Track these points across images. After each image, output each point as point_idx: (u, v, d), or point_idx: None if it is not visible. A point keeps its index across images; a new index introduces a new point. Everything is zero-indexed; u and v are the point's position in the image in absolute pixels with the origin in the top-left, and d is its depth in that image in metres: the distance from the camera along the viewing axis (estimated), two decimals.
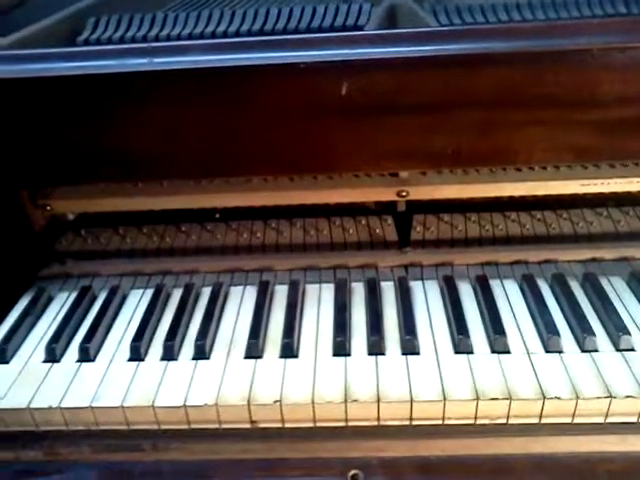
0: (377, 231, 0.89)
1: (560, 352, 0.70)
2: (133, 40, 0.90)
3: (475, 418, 0.65)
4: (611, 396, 0.63)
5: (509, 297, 0.79)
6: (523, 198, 0.85)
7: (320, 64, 0.67)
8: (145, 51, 0.71)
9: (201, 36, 0.90)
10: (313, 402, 0.66)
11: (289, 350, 0.73)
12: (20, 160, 0.75)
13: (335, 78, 0.67)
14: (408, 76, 0.69)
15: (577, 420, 0.65)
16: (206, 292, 0.84)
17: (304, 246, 0.89)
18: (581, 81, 0.67)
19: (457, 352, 0.71)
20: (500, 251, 0.86)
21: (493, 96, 0.69)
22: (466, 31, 0.72)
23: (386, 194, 0.84)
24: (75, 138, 0.74)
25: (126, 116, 0.72)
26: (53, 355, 0.75)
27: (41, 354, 0.76)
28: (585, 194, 0.83)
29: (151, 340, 0.77)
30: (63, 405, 0.68)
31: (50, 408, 0.68)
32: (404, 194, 0.83)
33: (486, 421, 0.66)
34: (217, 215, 0.92)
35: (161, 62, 0.69)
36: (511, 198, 0.86)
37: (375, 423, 0.67)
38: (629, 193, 0.82)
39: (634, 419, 0.64)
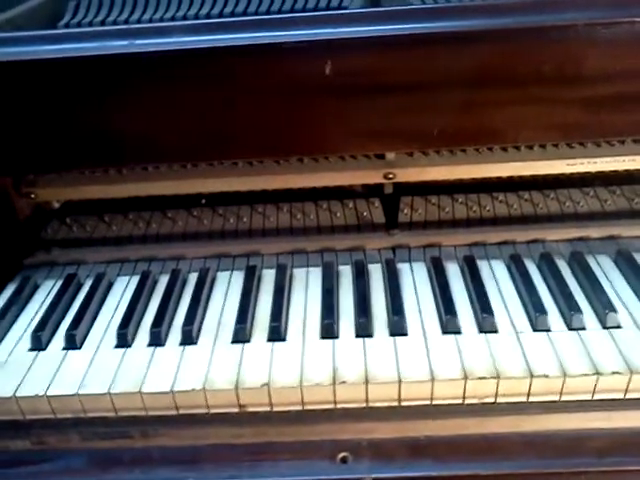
0: (364, 214, 0.89)
1: (548, 330, 0.70)
2: (115, 24, 0.89)
3: (463, 398, 0.65)
4: (598, 373, 0.63)
5: (497, 277, 0.79)
6: (510, 178, 0.85)
7: (303, 44, 0.66)
8: (126, 33, 0.69)
9: (184, 19, 0.89)
10: (301, 385, 0.66)
11: (277, 334, 0.72)
12: (2, 147, 0.74)
13: (318, 58, 0.67)
14: (392, 55, 0.68)
15: (565, 398, 0.65)
16: (193, 278, 0.83)
17: (291, 230, 0.89)
18: (566, 58, 0.67)
19: (445, 332, 0.71)
20: (488, 232, 0.86)
21: (478, 74, 0.69)
22: (450, 8, 0.72)
23: (373, 176, 0.83)
24: (57, 123, 0.73)
25: (109, 100, 0.71)
26: (39, 343, 0.74)
27: (27, 342, 0.75)
28: (572, 174, 0.82)
29: (138, 327, 0.76)
30: (49, 393, 0.67)
31: (37, 396, 0.67)
32: (391, 176, 0.82)
33: (475, 400, 0.66)
34: (203, 201, 0.91)
35: (142, 44, 0.68)
36: (498, 179, 0.85)
37: (364, 405, 0.67)
38: (615, 172, 0.83)
39: (620, 395, 0.65)
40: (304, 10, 0.88)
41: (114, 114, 0.72)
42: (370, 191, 0.90)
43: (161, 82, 0.70)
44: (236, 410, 0.67)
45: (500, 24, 0.67)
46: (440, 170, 0.82)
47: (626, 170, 0.82)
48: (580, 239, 0.84)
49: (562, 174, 0.82)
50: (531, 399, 0.65)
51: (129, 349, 0.73)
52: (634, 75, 0.68)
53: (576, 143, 0.81)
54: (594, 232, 0.84)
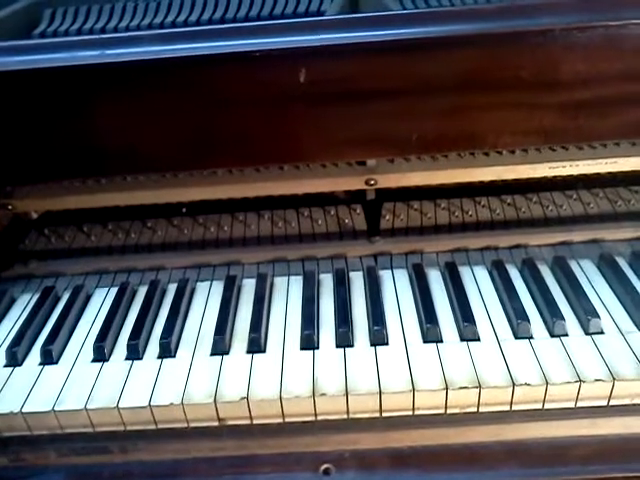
0: (346, 221, 0.88)
1: (530, 338, 0.69)
2: (91, 32, 0.89)
3: (445, 408, 0.65)
4: (580, 380, 0.63)
5: (479, 284, 0.78)
6: (492, 183, 0.84)
7: (275, 51, 0.66)
8: (97, 43, 0.68)
9: (161, 26, 0.88)
10: (281, 397, 0.65)
11: (256, 345, 0.71)
12: None
13: (292, 66, 0.66)
14: (369, 62, 0.67)
15: (548, 406, 0.64)
16: (172, 288, 0.82)
17: (272, 238, 0.88)
18: (544, 62, 0.67)
19: (426, 341, 0.70)
20: (470, 237, 0.85)
21: (456, 80, 0.68)
22: (427, 14, 0.71)
23: (354, 183, 0.82)
24: (32, 135, 0.72)
25: (83, 111, 0.70)
26: (15, 359, 0.73)
27: (2, 358, 0.73)
28: (554, 177, 0.82)
29: (116, 340, 0.75)
30: (25, 410, 0.66)
31: (11, 414, 0.66)
32: (372, 182, 0.81)
33: (457, 410, 0.65)
34: (184, 210, 0.90)
35: (113, 54, 0.67)
36: (481, 183, 0.84)
37: (345, 416, 0.66)
38: (598, 175, 0.82)
39: (604, 402, 0.64)
40: (283, 16, 0.87)
41: (90, 125, 0.71)
42: (352, 197, 0.89)
43: (134, 92, 0.69)
44: (216, 424, 0.66)
45: (477, 29, 0.67)
46: (422, 175, 0.81)
47: (609, 172, 0.82)
48: (563, 243, 0.84)
49: (544, 177, 0.82)
50: (514, 408, 0.65)
51: (106, 363, 0.72)
52: (611, 79, 0.67)
53: (558, 146, 0.80)
54: (577, 236, 0.84)
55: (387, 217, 0.87)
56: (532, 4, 0.68)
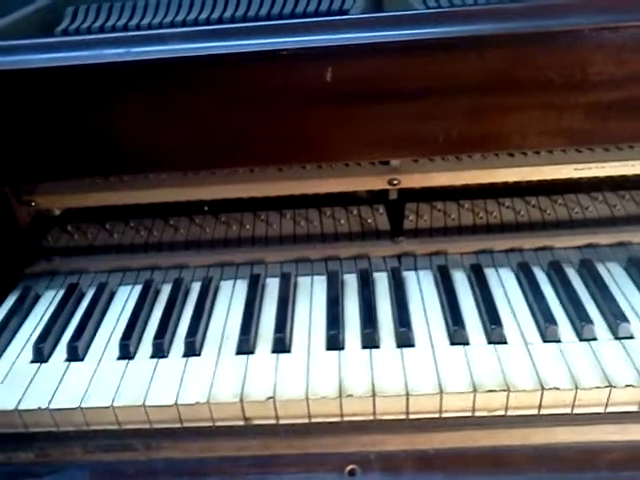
0: (369, 221, 0.88)
1: (558, 341, 0.69)
2: (113, 29, 0.89)
3: (473, 410, 0.64)
4: (611, 385, 0.62)
5: (505, 286, 0.78)
6: (517, 184, 0.83)
7: (303, 50, 0.65)
8: (122, 41, 0.68)
9: (183, 24, 0.88)
10: (307, 398, 0.64)
11: (281, 345, 0.71)
12: (0, 156, 0.73)
13: (319, 65, 0.66)
14: (394, 61, 0.67)
15: (576, 410, 0.64)
16: (196, 287, 0.82)
17: (294, 238, 0.88)
18: (573, 63, 0.66)
19: (453, 343, 0.70)
20: (495, 239, 0.85)
21: (484, 80, 0.68)
22: (454, 13, 0.70)
23: (377, 183, 0.82)
24: (55, 132, 0.72)
25: (106, 108, 0.70)
26: (41, 355, 0.73)
27: (29, 354, 0.74)
28: (580, 178, 0.81)
29: (141, 338, 0.75)
30: (52, 406, 0.66)
31: (39, 409, 0.66)
32: (395, 182, 0.81)
33: (484, 413, 0.65)
34: (205, 208, 0.90)
35: (139, 52, 0.67)
36: (505, 184, 0.84)
37: (371, 418, 0.66)
38: (625, 176, 0.81)
39: (634, 408, 0.63)
40: (305, 14, 0.87)
41: (113, 122, 0.71)
42: (374, 197, 0.89)
43: (159, 90, 0.69)
44: (241, 423, 0.67)
45: (506, 29, 0.66)
46: (446, 176, 0.81)
47: (635, 174, 0.81)
48: (589, 246, 0.83)
49: (570, 179, 0.81)
50: (542, 412, 0.64)
51: (132, 361, 0.72)
52: None
53: (584, 147, 0.79)
54: (603, 239, 0.83)
55: (410, 217, 0.87)
56: (561, 3, 0.67)
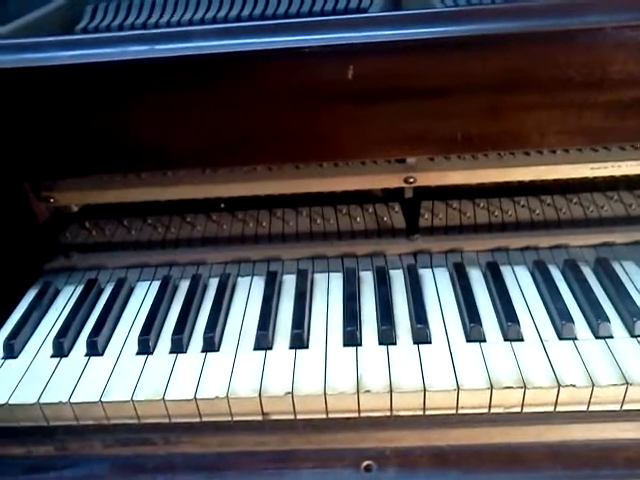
0: (385, 219, 0.88)
1: (574, 339, 0.69)
2: (132, 27, 0.89)
3: (489, 407, 0.65)
4: (627, 383, 0.63)
5: (520, 283, 0.78)
6: (532, 183, 0.83)
7: (325, 48, 0.65)
8: (146, 38, 0.69)
9: (202, 22, 0.88)
10: (325, 393, 0.65)
11: (299, 341, 0.72)
12: (21, 152, 0.74)
13: (340, 62, 0.66)
14: (414, 59, 0.67)
15: (592, 408, 0.64)
16: (213, 283, 0.83)
17: (311, 235, 0.88)
18: (593, 61, 0.66)
19: (469, 340, 0.70)
20: (510, 237, 0.85)
21: (503, 78, 0.67)
22: (473, 11, 0.70)
23: (393, 181, 0.82)
24: (76, 129, 0.72)
25: (128, 105, 0.71)
26: (61, 350, 0.74)
27: (49, 349, 0.75)
28: (595, 177, 0.81)
29: (159, 333, 0.76)
30: (73, 400, 0.67)
31: (60, 403, 0.67)
32: (411, 180, 0.81)
33: (500, 410, 0.65)
34: (222, 205, 0.91)
35: (163, 49, 0.68)
36: (520, 183, 0.84)
37: (388, 413, 0.66)
38: None
39: None
40: (322, 12, 0.87)
41: (133, 119, 0.72)
42: (390, 195, 0.89)
43: (181, 87, 0.69)
44: (259, 418, 0.67)
45: (526, 27, 0.66)
46: (461, 174, 0.81)
47: None
48: (605, 244, 0.83)
49: (586, 178, 0.81)
50: (558, 409, 0.65)
51: (151, 356, 0.73)
52: None
53: (600, 146, 0.79)
54: (619, 237, 0.83)
55: (426, 216, 0.87)
56: (582, 2, 0.67)
